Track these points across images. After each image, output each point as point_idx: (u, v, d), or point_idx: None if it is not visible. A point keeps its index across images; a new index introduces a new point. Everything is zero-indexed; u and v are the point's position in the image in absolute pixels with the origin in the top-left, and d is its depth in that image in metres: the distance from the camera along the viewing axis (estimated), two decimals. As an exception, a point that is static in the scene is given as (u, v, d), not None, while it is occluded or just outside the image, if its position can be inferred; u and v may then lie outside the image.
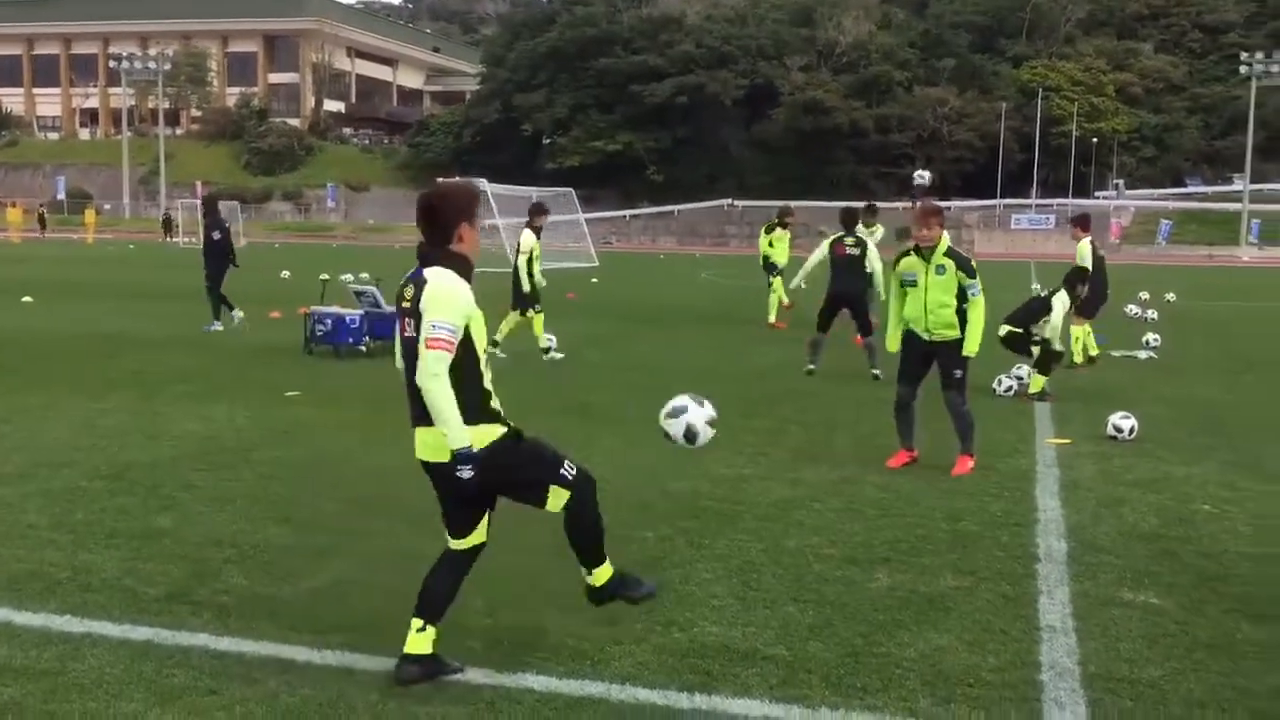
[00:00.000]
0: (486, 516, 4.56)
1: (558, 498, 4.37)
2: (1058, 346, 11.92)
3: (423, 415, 4.24)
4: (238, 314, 16.59)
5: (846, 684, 4.43)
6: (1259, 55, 68.41)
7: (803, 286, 14.60)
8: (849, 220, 13.62)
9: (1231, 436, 9.86)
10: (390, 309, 14.72)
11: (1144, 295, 25.12)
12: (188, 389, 11.21)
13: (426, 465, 4.36)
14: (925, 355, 8.22)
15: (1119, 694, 4.40)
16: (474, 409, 4.25)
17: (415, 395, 4.26)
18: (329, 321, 14.14)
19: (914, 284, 8.10)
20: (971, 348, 8.05)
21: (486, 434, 4.27)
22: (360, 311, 14.38)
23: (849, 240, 13.21)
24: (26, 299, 20.85)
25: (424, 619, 4.41)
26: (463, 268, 4.27)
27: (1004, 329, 12.06)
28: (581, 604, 5.16)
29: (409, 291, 4.26)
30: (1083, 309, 13.39)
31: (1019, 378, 12.00)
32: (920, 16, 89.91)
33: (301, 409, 10.17)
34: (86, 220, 60.69)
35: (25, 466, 7.73)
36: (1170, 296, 26.29)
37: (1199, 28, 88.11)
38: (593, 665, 4.55)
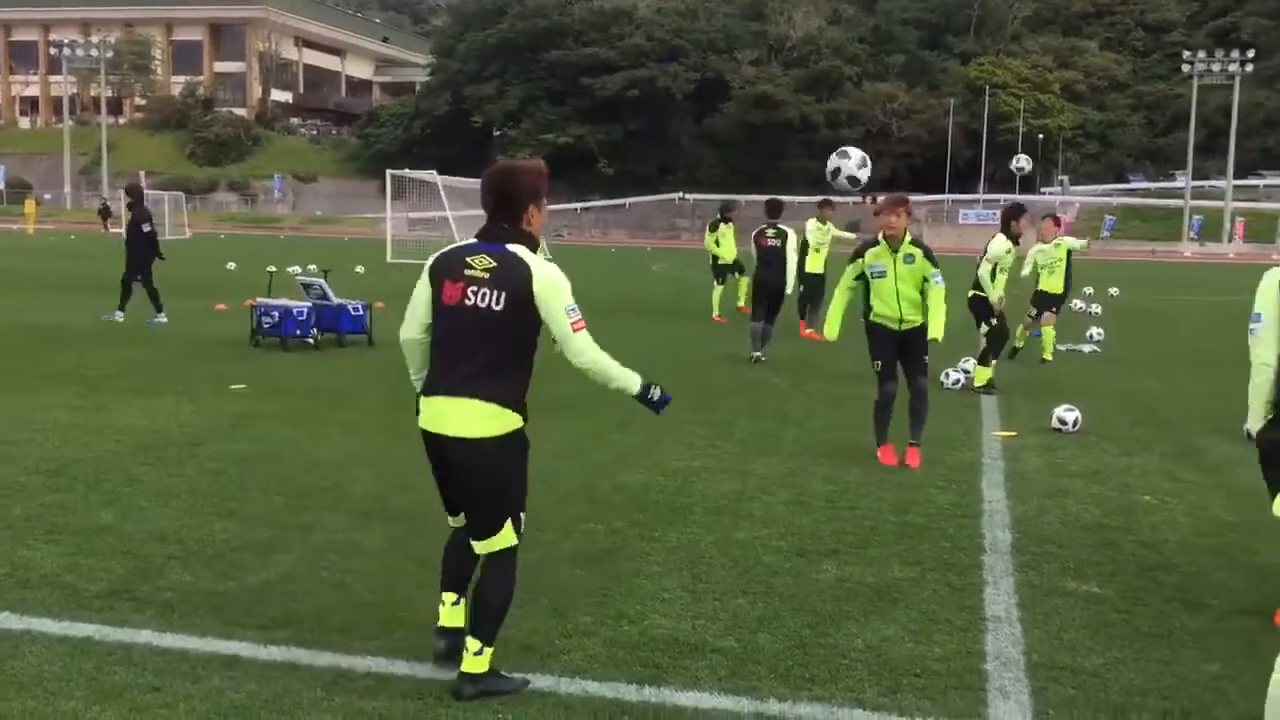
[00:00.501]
0: None
1: (506, 537, 4.18)
2: (1024, 271, 12.49)
3: (469, 387, 4.08)
4: (161, 318, 16.29)
5: (795, 675, 4.46)
6: (1200, 54, 69.65)
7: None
8: (773, 211, 14.09)
9: (1172, 429, 10.04)
10: (339, 301, 14.59)
11: (1088, 290, 25.51)
12: (130, 383, 11.03)
13: (443, 439, 4.14)
14: (898, 345, 8.27)
15: (1062, 683, 4.47)
16: (523, 393, 4.22)
17: (469, 365, 4.10)
18: (276, 313, 13.97)
19: (883, 275, 8.15)
20: (937, 333, 8.17)
21: (514, 421, 4.18)
22: (308, 304, 14.23)
23: (770, 231, 13.57)
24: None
25: (457, 591, 4.42)
26: (533, 246, 4.25)
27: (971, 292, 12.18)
28: (531, 597, 5.15)
29: (484, 262, 4.14)
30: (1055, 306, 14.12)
31: (965, 371, 12.14)
32: (870, 12, 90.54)
33: (247, 402, 10.04)
34: (26, 210, 59.39)
35: (-39, 461, 7.56)
36: (1114, 291, 26.73)
37: (1142, 26, 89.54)
38: (541, 659, 4.54)
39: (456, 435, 4.10)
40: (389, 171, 41.01)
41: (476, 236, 4.29)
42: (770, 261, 13.55)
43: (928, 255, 8.16)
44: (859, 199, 69.67)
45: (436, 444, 4.19)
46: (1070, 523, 6.79)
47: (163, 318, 16.21)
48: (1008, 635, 4.94)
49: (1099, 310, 20.99)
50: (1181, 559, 6.13)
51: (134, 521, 6.30)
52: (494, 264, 4.13)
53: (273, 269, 16.97)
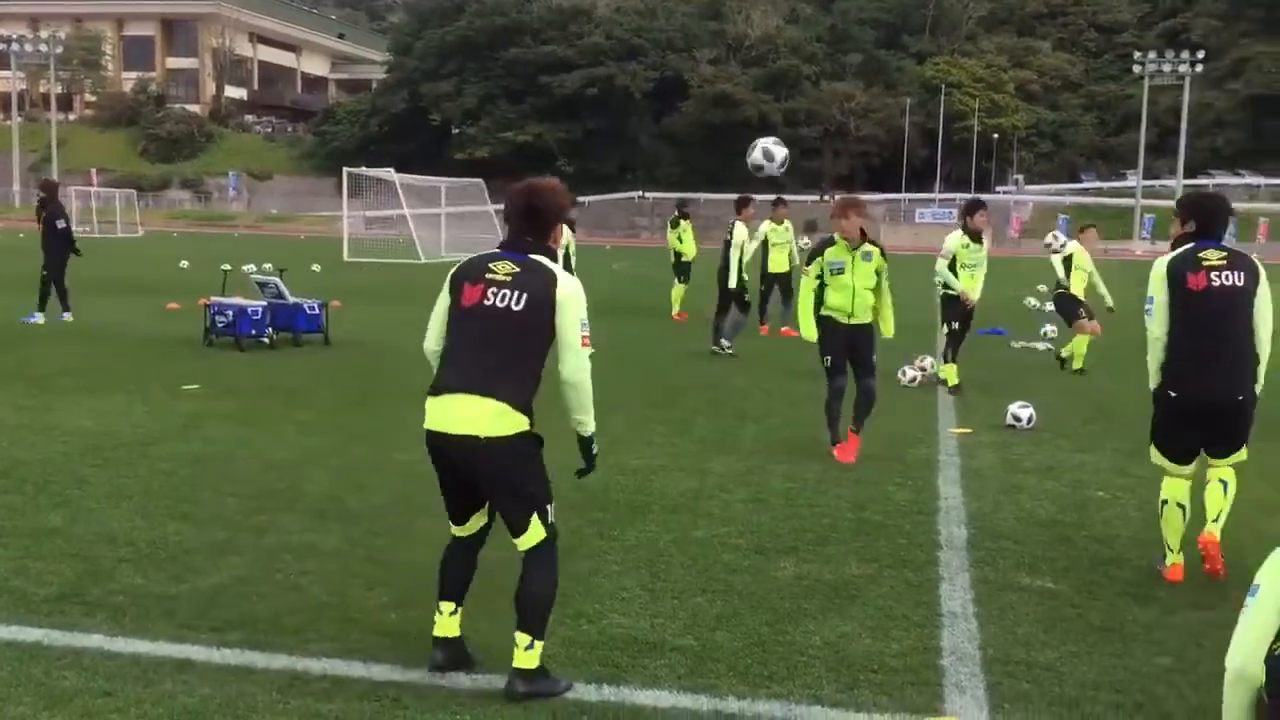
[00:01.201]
0: (488, 504, 4.44)
1: (536, 532, 4.24)
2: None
3: (483, 385, 4.13)
4: (67, 316, 16.09)
5: (753, 673, 4.47)
6: (1151, 55, 70.61)
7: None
8: (737, 207, 14.91)
9: (1123, 425, 10.15)
10: (294, 300, 14.45)
11: (1042, 287, 25.77)
12: (80, 382, 10.86)
13: (450, 438, 4.16)
14: (846, 341, 8.37)
15: (1017, 677, 4.51)
16: (532, 397, 4.25)
17: (484, 364, 4.16)
18: (230, 312, 13.81)
19: (841, 271, 8.24)
20: (889, 330, 8.45)
21: (523, 422, 4.19)
22: (263, 303, 14.08)
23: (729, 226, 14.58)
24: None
25: (454, 601, 4.43)
26: (554, 259, 4.38)
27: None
28: (489, 599, 5.12)
29: (507, 269, 4.24)
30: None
31: (923, 368, 12.23)
32: (827, 12, 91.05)
33: (201, 402, 9.92)
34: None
35: (-94, 464, 7.41)
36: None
37: (1095, 27, 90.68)
38: (500, 659, 4.50)
39: (468, 434, 4.11)
40: (346, 169, 40.70)
41: (500, 247, 4.39)
42: (723, 257, 14.30)
43: (883, 253, 8.34)
44: (817, 197, 70.08)
45: (444, 445, 4.20)
46: (1025, 518, 6.86)
47: (39, 318, 15.98)
48: (964, 630, 4.98)
49: (1052, 308, 21.20)
50: (1133, 553, 6.21)
51: (84, 523, 6.20)
52: (517, 269, 4.24)
53: (227, 267, 16.79)
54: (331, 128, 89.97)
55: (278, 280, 14.62)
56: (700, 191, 68.03)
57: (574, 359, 4.24)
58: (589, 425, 4.42)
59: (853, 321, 8.29)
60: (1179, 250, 5.85)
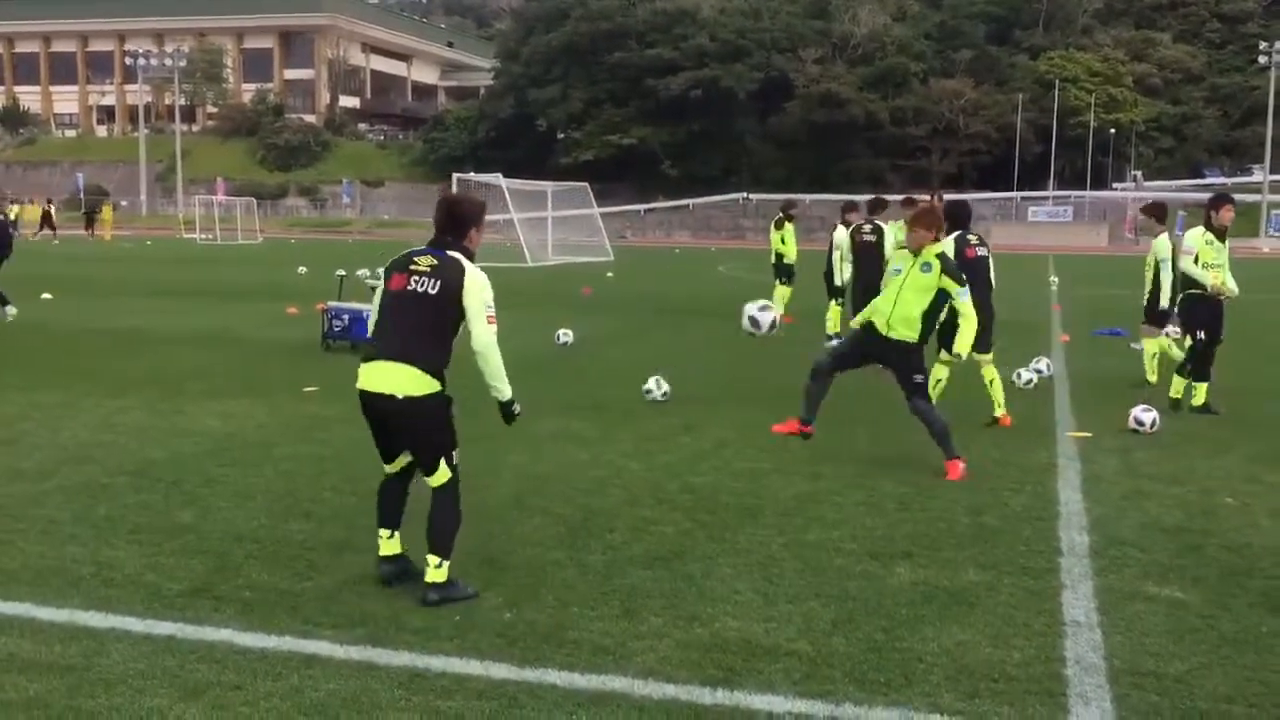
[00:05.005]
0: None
1: (443, 474, 5.20)
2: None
3: (399, 352, 5.09)
4: (10, 310, 16.90)
5: (870, 679, 4.41)
6: (1278, 45, 67.86)
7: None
8: (873, 208, 14.33)
9: (1255, 428, 9.79)
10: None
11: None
12: (206, 385, 11.25)
13: (372, 395, 5.14)
14: (872, 349, 8.09)
15: (1145, 689, 4.37)
16: (444, 366, 5.18)
17: (402, 335, 5.12)
18: (346, 317, 14.16)
19: (898, 274, 8.01)
20: (961, 347, 7.96)
21: (435, 385, 5.12)
22: (377, 307, 14.38)
23: (866, 228, 14.00)
24: (45, 296, 20.95)
25: (389, 528, 5.44)
26: (470, 258, 5.28)
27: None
28: (602, 598, 5.17)
29: (428, 261, 5.18)
30: (1156, 319, 12.27)
31: (1039, 370, 11.94)
32: (936, 8, 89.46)
33: (320, 404, 10.20)
34: (104, 217, 60.79)
35: (46, 463, 7.76)
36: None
37: (1218, 17, 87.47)
38: (614, 660, 4.54)
39: (390, 393, 5.08)
40: (454, 175, 41.30)
41: (427, 245, 5.30)
42: (865, 258, 13.62)
43: (947, 270, 7.80)
44: (926, 197, 68.88)
45: (372, 400, 5.17)
46: (1150, 525, 6.65)
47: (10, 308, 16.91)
48: (1088, 640, 4.85)
49: (1175, 308, 20.51)
50: (1266, 562, 5.97)
51: (213, 521, 6.42)
52: (436, 263, 5.18)
53: (342, 273, 17.20)
54: (440, 134, 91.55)
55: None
56: (804, 193, 67.52)
57: (480, 332, 5.14)
58: (503, 392, 5.30)
59: (889, 335, 7.86)
60: None
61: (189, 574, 5.52)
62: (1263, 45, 69.54)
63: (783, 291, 18.86)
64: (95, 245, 47.99)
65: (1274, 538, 6.42)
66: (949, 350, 8.81)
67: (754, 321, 9.43)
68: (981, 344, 9.22)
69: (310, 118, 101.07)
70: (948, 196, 14.02)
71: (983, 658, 4.63)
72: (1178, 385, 10.72)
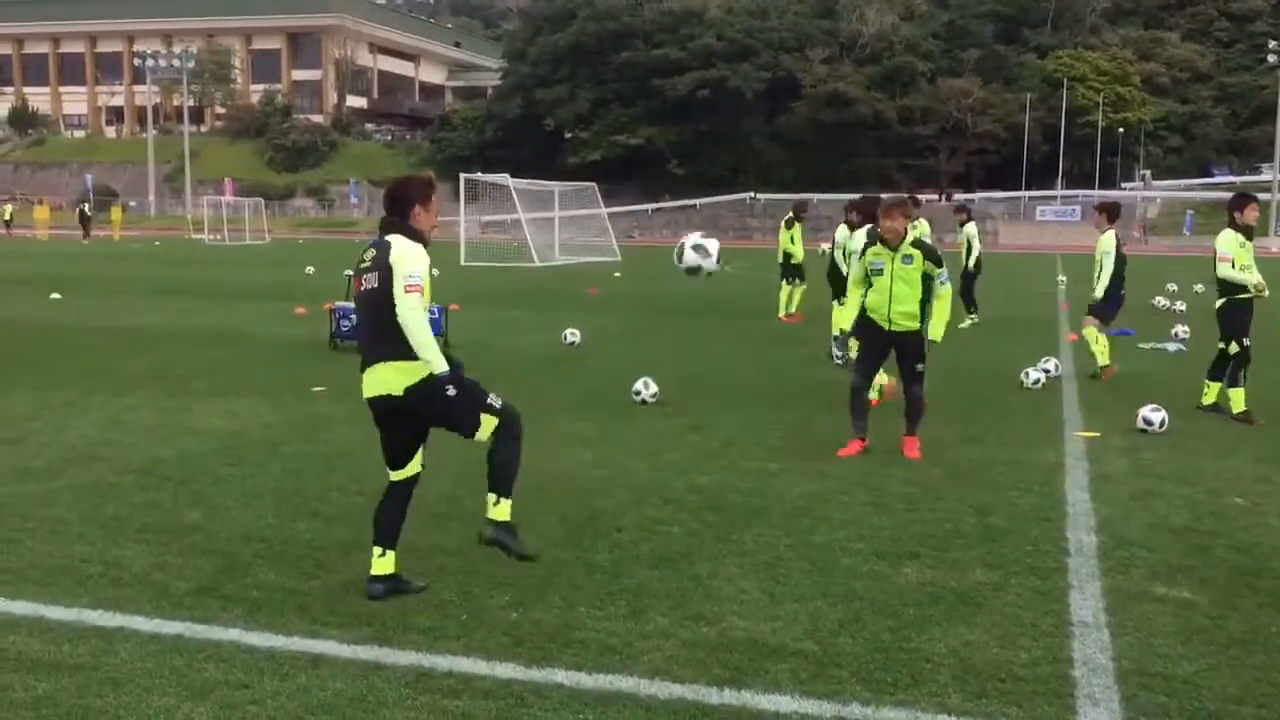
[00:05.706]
0: (420, 450, 5.35)
1: (489, 425, 5.15)
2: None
3: (378, 354, 5.06)
4: None
5: (877, 679, 4.40)
6: (1287, 43, 67.67)
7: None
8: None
9: (1263, 428, 9.75)
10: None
11: (1172, 287, 24.92)
12: (213, 384, 11.27)
13: (377, 400, 5.11)
14: (885, 345, 8.35)
15: (1153, 690, 4.36)
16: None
17: (372, 338, 5.13)
18: (353, 316, 14.15)
19: (880, 272, 8.21)
20: (936, 334, 8.20)
21: (424, 369, 5.01)
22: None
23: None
24: (55, 295, 21.03)
25: (383, 546, 5.25)
26: (416, 237, 5.13)
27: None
28: (609, 597, 5.18)
29: (370, 254, 5.12)
30: (1097, 311, 12.41)
31: (1047, 370, 11.91)
32: (944, 7, 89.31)
33: (327, 404, 10.21)
34: (113, 218, 60.99)
35: (54, 462, 7.78)
36: (1199, 288, 26.01)
37: (1226, 16, 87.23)
38: (621, 660, 4.54)
39: (385, 394, 5.07)
40: (462, 175, 41.36)
41: (374, 239, 5.24)
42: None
43: (929, 255, 8.14)
44: (935, 197, 68.84)
45: (379, 404, 5.14)
46: (1158, 526, 6.63)
47: None
48: (1096, 641, 4.83)
49: (1184, 308, 20.47)
50: (1276, 563, 5.95)
51: (220, 520, 6.43)
52: (374, 253, 5.11)
53: (349, 273, 17.24)
54: (448, 135, 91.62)
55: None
56: (812, 192, 67.44)
57: (401, 303, 4.96)
58: (435, 364, 5.02)
59: (894, 329, 8.19)
60: None
61: (197, 573, 5.53)
62: (1271, 44, 69.44)
63: (787, 291, 18.90)
64: (92, 246, 47.98)
65: (1283, 538, 6.40)
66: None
67: (701, 250, 9.31)
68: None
69: (318, 118, 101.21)
70: (867, 195, 14.08)
71: (990, 658, 4.62)
72: (1238, 397, 10.28)
